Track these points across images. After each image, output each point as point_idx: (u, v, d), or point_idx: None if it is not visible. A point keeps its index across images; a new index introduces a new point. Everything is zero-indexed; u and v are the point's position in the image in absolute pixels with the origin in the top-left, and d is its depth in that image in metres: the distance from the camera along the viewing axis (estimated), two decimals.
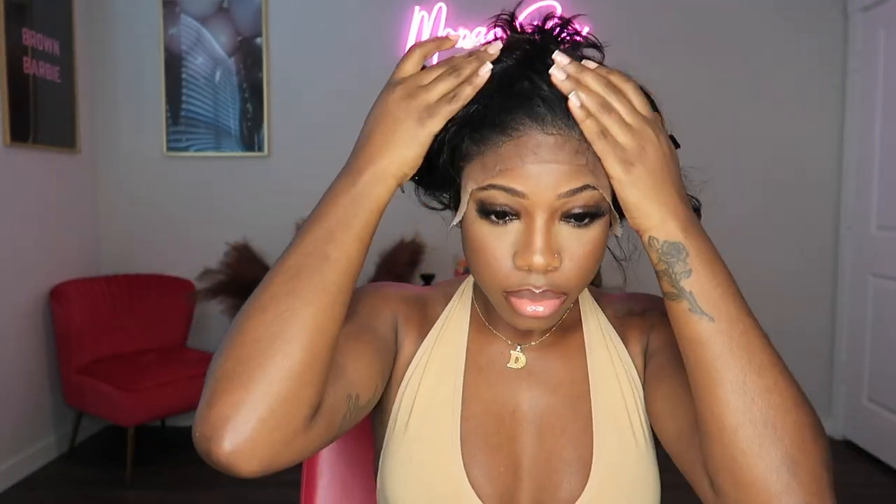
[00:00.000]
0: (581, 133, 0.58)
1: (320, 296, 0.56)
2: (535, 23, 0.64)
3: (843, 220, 3.19)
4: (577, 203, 0.59)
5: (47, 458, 2.88)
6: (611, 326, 0.77)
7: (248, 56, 3.24)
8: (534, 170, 0.58)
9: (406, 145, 0.59)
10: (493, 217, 0.61)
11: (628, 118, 0.57)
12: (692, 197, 0.68)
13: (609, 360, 0.74)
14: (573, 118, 0.58)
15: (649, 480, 0.71)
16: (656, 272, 0.59)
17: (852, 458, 3.03)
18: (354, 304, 0.71)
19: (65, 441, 2.99)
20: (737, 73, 3.19)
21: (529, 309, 0.61)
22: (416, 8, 3.17)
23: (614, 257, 0.74)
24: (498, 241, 0.61)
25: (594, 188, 0.59)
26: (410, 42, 3.17)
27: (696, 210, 0.68)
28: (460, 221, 0.65)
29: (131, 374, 2.70)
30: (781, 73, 3.18)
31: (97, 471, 2.82)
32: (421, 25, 3.17)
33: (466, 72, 0.60)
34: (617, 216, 0.63)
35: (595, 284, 0.82)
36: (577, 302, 0.77)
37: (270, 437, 0.53)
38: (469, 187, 0.62)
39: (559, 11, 3.55)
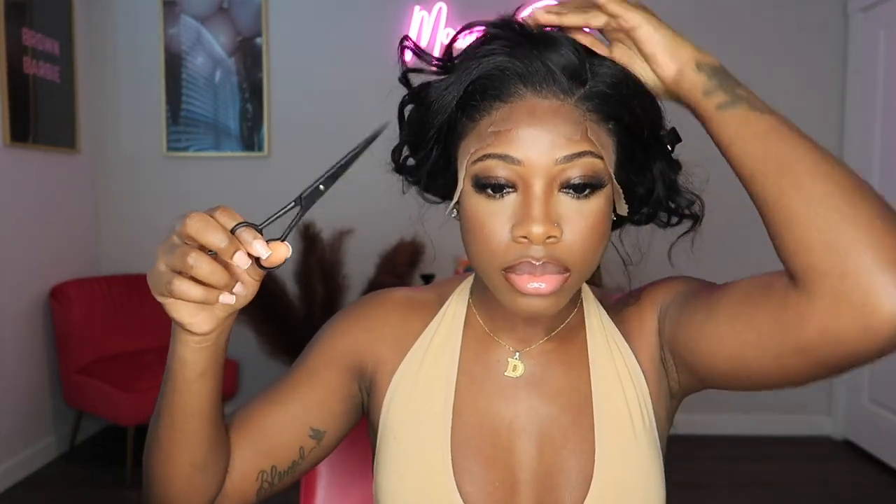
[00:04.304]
0: (578, 100, 0.58)
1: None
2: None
3: None
4: (576, 172, 0.58)
5: (47, 458, 2.88)
6: (613, 325, 0.73)
7: (248, 56, 3.24)
8: (529, 134, 0.57)
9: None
10: (489, 191, 0.59)
11: None
12: (696, 195, 0.67)
13: (613, 364, 0.70)
14: (570, 87, 0.58)
15: (654, 488, 0.68)
16: (702, 94, 0.60)
17: (852, 458, 3.03)
18: (303, 354, 0.75)
19: (65, 441, 2.99)
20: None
21: (531, 286, 0.58)
22: (416, 8, 3.17)
23: (622, 259, 0.72)
24: (495, 217, 0.59)
25: (595, 155, 0.58)
26: None
27: (697, 218, 0.67)
28: (457, 207, 0.63)
29: (131, 374, 2.69)
30: (781, 73, 3.17)
31: (97, 471, 2.82)
32: (421, 25, 3.17)
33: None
34: (620, 192, 0.60)
35: (595, 284, 0.81)
36: (581, 305, 0.74)
37: None
38: (464, 162, 0.60)
39: None
